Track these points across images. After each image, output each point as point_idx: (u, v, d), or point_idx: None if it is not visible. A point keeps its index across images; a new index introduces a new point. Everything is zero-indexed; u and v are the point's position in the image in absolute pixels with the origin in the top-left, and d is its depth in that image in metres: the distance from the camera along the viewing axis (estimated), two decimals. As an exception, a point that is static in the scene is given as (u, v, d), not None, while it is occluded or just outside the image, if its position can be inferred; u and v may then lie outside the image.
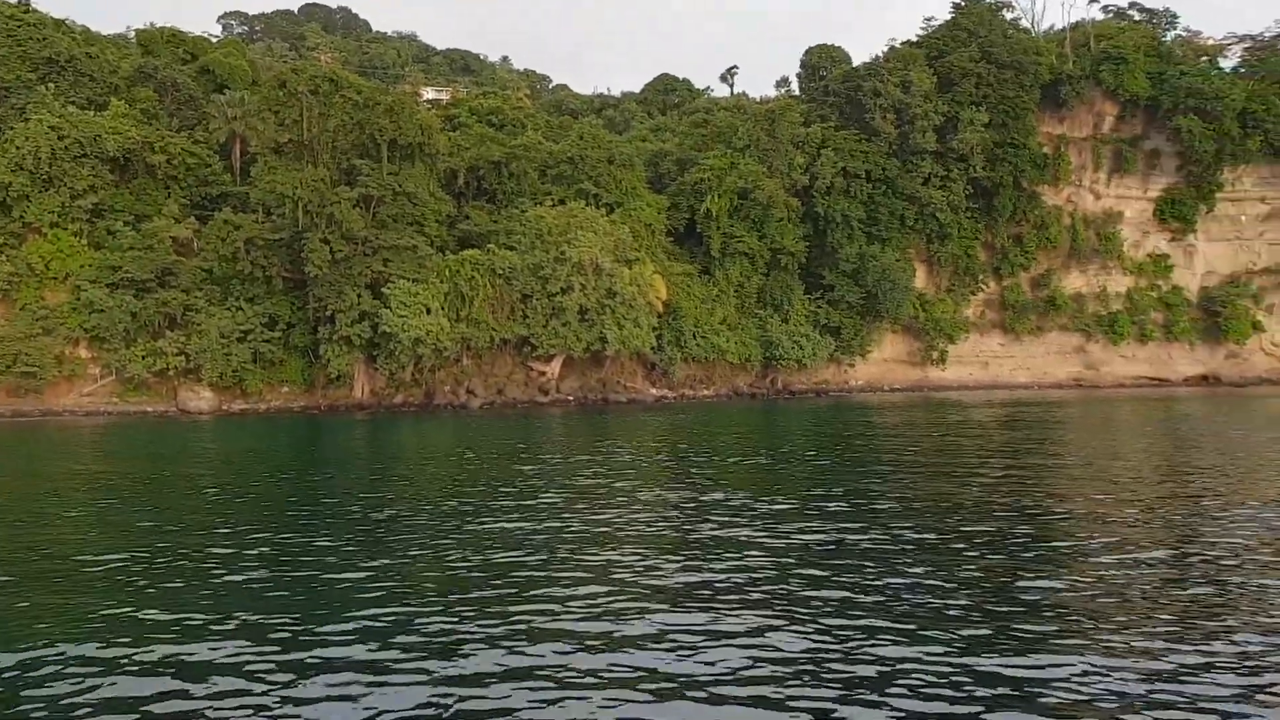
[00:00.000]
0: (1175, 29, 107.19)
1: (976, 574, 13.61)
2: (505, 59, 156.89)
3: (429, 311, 67.44)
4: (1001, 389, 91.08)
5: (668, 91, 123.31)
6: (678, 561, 15.08)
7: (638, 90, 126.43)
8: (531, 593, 13.15)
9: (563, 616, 11.84)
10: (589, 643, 10.92)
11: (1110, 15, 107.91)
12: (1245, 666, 9.65)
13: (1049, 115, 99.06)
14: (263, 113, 72.46)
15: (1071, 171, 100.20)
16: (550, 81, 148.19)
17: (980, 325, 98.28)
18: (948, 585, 13.01)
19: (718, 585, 13.38)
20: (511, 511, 20.20)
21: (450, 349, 69.35)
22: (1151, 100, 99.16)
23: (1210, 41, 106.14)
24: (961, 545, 15.88)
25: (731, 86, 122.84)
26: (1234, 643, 10.37)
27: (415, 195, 72.71)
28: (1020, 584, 13.03)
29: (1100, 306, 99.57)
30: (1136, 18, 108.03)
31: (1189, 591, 12.66)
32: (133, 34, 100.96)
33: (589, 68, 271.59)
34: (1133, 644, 10.36)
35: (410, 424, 54.52)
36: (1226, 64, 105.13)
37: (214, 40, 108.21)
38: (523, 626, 11.41)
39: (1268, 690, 8.99)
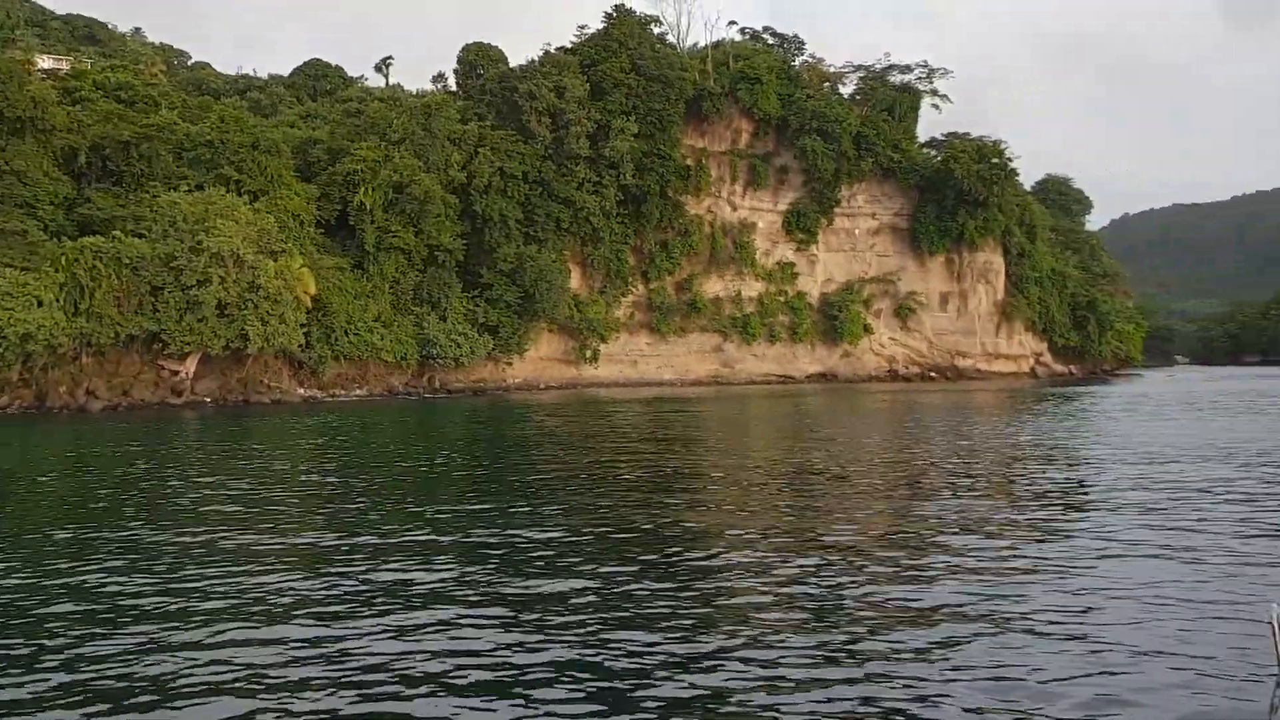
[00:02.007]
0: (802, 55, 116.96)
1: (626, 570, 14.02)
2: (138, 30, 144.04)
3: (40, 304, 60.61)
4: (649, 386, 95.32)
5: (319, 77, 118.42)
6: (310, 575, 14.40)
7: (286, 74, 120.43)
8: (158, 610, 12.04)
9: (216, 628, 10.94)
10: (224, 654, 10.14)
11: (747, 37, 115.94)
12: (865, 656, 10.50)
13: (692, 129, 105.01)
14: None
15: (712, 183, 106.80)
16: (189, 58, 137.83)
17: (630, 325, 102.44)
18: (612, 584, 13.29)
19: (356, 596, 12.89)
20: (134, 524, 18.49)
21: (66, 346, 62.74)
22: (782, 120, 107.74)
23: (832, 69, 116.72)
24: (618, 539, 16.33)
25: (387, 77, 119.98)
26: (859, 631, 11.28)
27: (25, 174, 65.25)
28: (656, 580, 13.56)
29: (736, 309, 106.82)
30: (770, 41, 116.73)
31: (805, 587, 13.69)
32: None
33: (233, 46, 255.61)
34: (766, 638, 11.01)
35: (18, 430, 48.75)
36: (845, 90, 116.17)
37: None
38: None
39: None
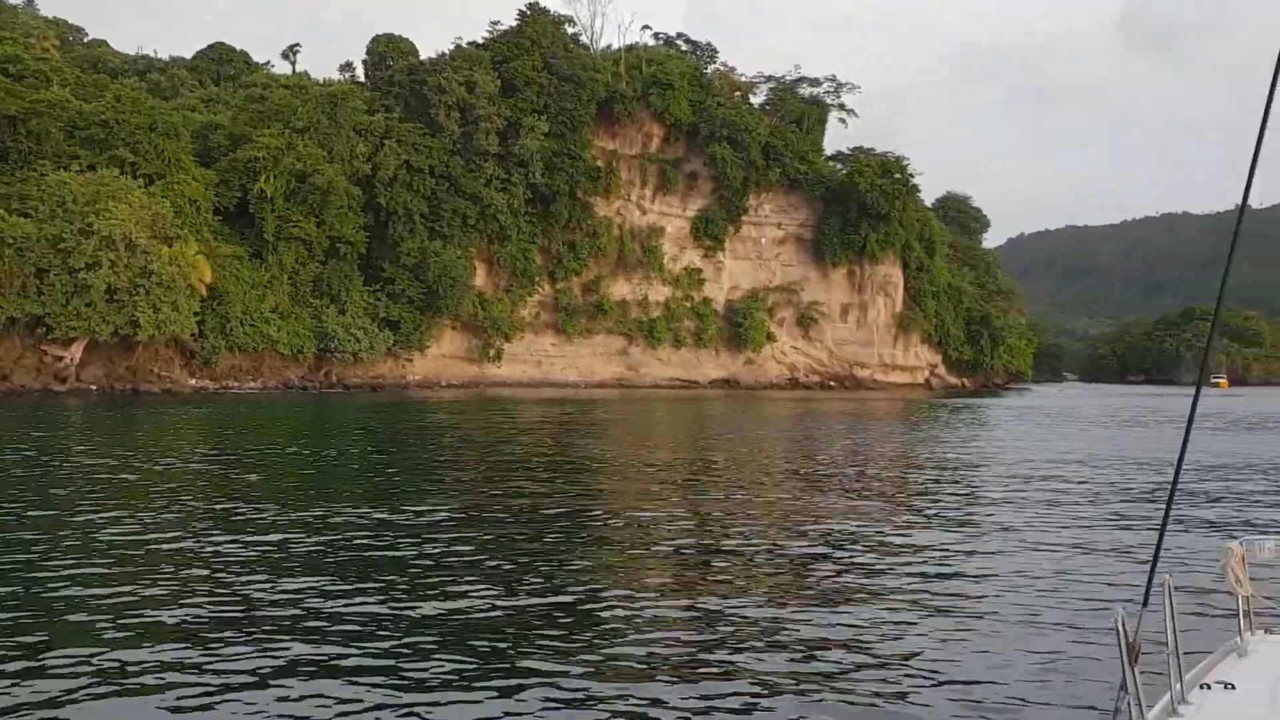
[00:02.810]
0: (714, 63, 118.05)
1: (518, 565, 13.86)
2: (30, 2, 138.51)
3: (-86, 282, 57.87)
4: (552, 386, 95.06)
5: (222, 61, 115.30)
6: (191, 585, 13.91)
7: (189, 57, 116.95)
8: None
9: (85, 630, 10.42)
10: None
11: (661, 43, 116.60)
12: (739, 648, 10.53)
13: (604, 130, 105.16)
14: None
15: (621, 186, 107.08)
16: (85, 35, 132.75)
17: (535, 325, 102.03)
18: (495, 598, 13.11)
19: (222, 602, 12.48)
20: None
21: (-58, 327, 60.01)
22: (693, 126, 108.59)
23: (743, 78, 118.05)
24: (521, 539, 16.15)
25: (294, 65, 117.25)
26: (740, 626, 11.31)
27: (-99, 146, 62.23)
28: (554, 581, 13.44)
29: (642, 313, 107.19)
30: (683, 47, 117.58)
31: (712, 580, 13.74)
32: None
33: (134, 25, 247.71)
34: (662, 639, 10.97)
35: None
36: (755, 100, 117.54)
37: None
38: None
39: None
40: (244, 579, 13.21)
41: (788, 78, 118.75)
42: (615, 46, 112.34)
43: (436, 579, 13.34)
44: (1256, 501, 22.43)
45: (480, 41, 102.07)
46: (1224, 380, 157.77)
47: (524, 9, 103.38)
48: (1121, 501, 21.94)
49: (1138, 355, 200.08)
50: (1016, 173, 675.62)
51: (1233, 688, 4.72)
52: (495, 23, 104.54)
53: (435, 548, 15.53)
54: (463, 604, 12.02)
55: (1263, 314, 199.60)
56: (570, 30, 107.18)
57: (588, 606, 12.17)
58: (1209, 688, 4.73)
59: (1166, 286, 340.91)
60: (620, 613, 11.85)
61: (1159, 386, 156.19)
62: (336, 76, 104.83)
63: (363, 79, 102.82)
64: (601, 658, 10.08)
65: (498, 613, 11.72)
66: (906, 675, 9.58)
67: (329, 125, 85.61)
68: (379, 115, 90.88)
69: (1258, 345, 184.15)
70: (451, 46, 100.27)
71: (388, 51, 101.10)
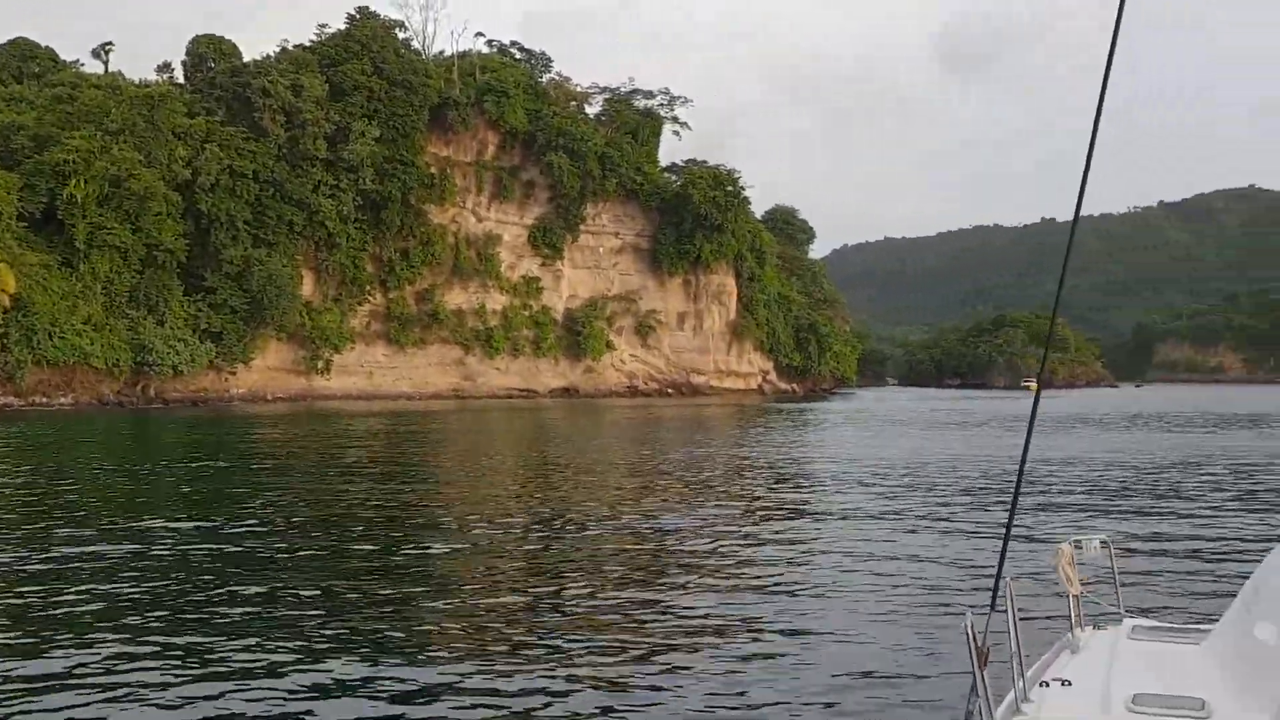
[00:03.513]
0: (550, 72, 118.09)
1: (353, 583, 13.41)
2: None
3: None
4: (385, 398, 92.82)
5: (26, 58, 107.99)
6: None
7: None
8: None
9: None
10: None
11: (495, 50, 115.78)
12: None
13: (437, 137, 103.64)
14: None
15: (456, 193, 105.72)
16: None
17: (366, 335, 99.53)
18: (333, 599, 12.64)
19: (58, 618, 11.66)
20: None
21: None
22: (529, 135, 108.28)
23: (578, 88, 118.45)
24: (344, 558, 15.64)
25: (106, 64, 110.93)
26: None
27: None
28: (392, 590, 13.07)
29: (479, 322, 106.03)
30: (518, 56, 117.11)
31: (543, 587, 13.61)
32: None
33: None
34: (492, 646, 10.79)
35: None
36: (591, 110, 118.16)
37: None
38: None
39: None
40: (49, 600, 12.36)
41: (623, 89, 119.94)
42: (448, 53, 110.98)
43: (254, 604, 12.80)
44: (1085, 498, 23.78)
45: (307, 44, 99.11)
46: (1033, 383, 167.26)
47: (353, 12, 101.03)
48: (961, 504, 22.78)
49: (953, 360, 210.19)
50: (839, 187, 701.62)
51: (1069, 684, 4.92)
52: (323, 25, 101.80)
53: (259, 573, 14.91)
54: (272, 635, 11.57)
55: (1066, 320, 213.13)
56: (401, 35, 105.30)
57: (417, 619, 11.90)
58: (1047, 685, 4.92)
59: (979, 295, 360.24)
60: (452, 627, 11.61)
61: (973, 390, 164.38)
62: (153, 77, 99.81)
63: (182, 80, 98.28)
64: (426, 656, 9.86)
65: (313, 630, 11.32)
66: (757, 683, 9.65)
67: (146, 128, 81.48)
68: (200, 118, 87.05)
69: (1063, 350, 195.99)
70: (277, 49, 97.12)
71: (208, 52, 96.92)
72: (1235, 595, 5.25)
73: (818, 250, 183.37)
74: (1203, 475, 29.06)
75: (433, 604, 12.97)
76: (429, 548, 17.11)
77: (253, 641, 10.87)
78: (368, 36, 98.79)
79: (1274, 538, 5.70)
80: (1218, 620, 5.39)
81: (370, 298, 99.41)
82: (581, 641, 10.97)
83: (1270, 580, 4.77)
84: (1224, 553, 16.18)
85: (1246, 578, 5.26)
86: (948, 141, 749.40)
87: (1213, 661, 4.94)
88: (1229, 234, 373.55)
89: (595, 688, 9.41)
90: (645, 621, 11.96)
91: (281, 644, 10.78)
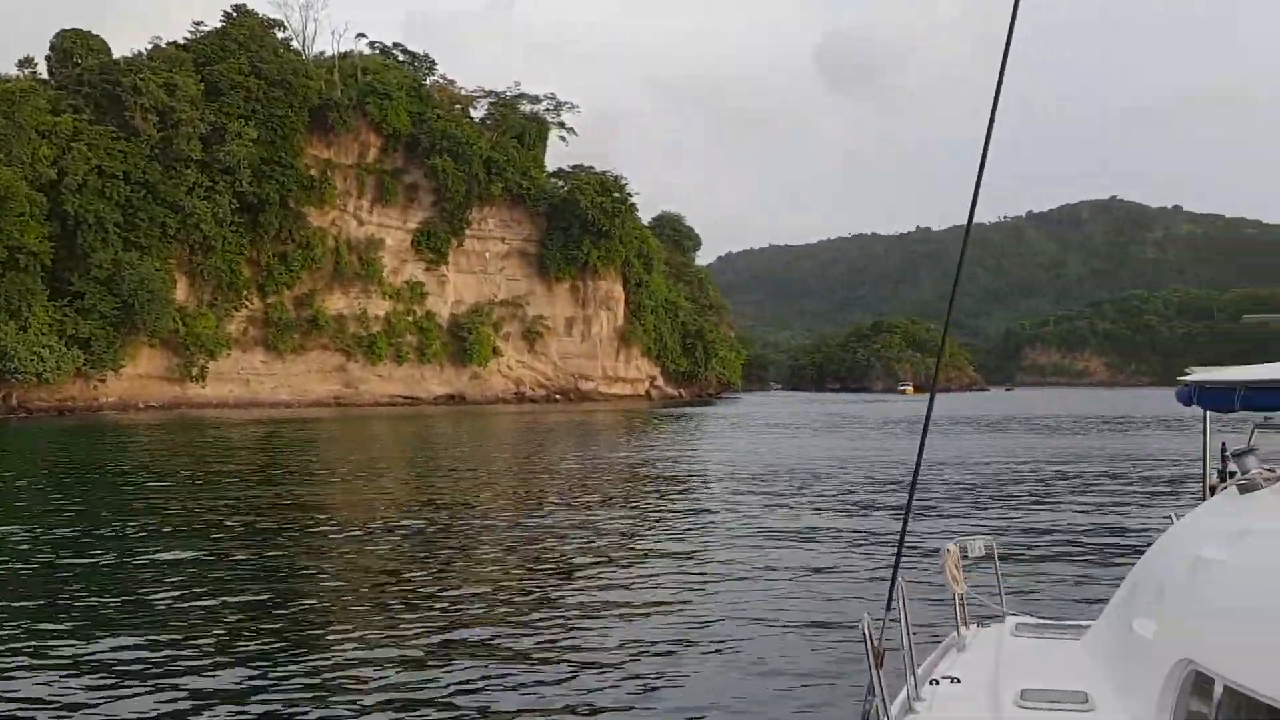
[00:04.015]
0: (433, 75, 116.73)
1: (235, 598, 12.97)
2: None
3: None
4: (263, 406, 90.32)
5: None
6: None
7: None
8: None
9: None
10: None
11: (377, 52, 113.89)
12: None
13: (317, 139, 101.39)
14: None
15: (337, 196, 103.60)
16: None
17: (243, 342, 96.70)
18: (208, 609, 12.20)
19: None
20: None
21: None
22: (412, 138, 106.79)
23: (463, 92, 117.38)
24: (222, 572, 15.11)
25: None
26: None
27: None
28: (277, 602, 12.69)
29: (361, 328, 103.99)
30: (401, 58, 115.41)
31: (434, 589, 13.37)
32: None
33: None
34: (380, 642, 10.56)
35: None
36: (476, 114, 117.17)
37: None
38: None
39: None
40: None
41: (508, 93, 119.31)
42: (329, 53, 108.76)
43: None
44: (970, 499, 24.49)
45: (181, 42, 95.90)
46: (910, 387, 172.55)
47: (229, 10, 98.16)
48: (853, 507, 23.22)
49: (834, 364, 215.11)
50: (725, 194, 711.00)
51: (957, 681, 5.05)
52: (198, 23, 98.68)
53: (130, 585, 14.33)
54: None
55: (939, 327, 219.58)
56: (280, 35, 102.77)
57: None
58: (937, 683, 5.03)
59: (858, 301, 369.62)
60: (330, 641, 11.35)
61: (853, 394, 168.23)
62: (14, 72, 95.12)
63: (46, 76, 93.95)
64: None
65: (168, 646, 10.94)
66: (661, 687, 9.65)
67: (6, 125, 77.61)
68: (66, 116, 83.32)
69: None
70: (149, 46, 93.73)
71: (75, 48, 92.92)
72: (1113, 592, 5.45)
73: (704, 257, 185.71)
74: (1078, 476, 30.25)
75: (301, 618, 12.63)
76: (302, 566, 16.65)
77: (123, 643, 10.47)
78: (245, 35, 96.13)
79: (1150, 537, 5.99)
80: (1097, 617, 5.60)
81: (247, 303, 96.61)
82: (462, 656, 10.80)
83: (1146, 577, 4.95)
84: (1101, 551, 16.83)
85: (1123, 575, 5.47)
86: (830, 151, 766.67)
87: (1093, 656, 5.12)
88: (1093, 243, 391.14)
89: (472, 694, 9.30)
90: (533, 632, 11.86)
91: (149, 650, 10.39)
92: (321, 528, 20.32)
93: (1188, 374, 6.13)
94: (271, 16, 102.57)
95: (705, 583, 14.64)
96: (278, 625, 12.11)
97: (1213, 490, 5.90)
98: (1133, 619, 4.71)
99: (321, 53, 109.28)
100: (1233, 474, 5.05)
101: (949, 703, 4.72)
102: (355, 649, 10.85)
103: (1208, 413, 6.11)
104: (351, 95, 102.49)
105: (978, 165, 4.85)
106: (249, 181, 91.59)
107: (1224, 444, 5.84)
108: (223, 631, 11.73)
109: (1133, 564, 5.43)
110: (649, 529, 20.10)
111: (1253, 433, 6.18)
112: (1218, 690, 3.51)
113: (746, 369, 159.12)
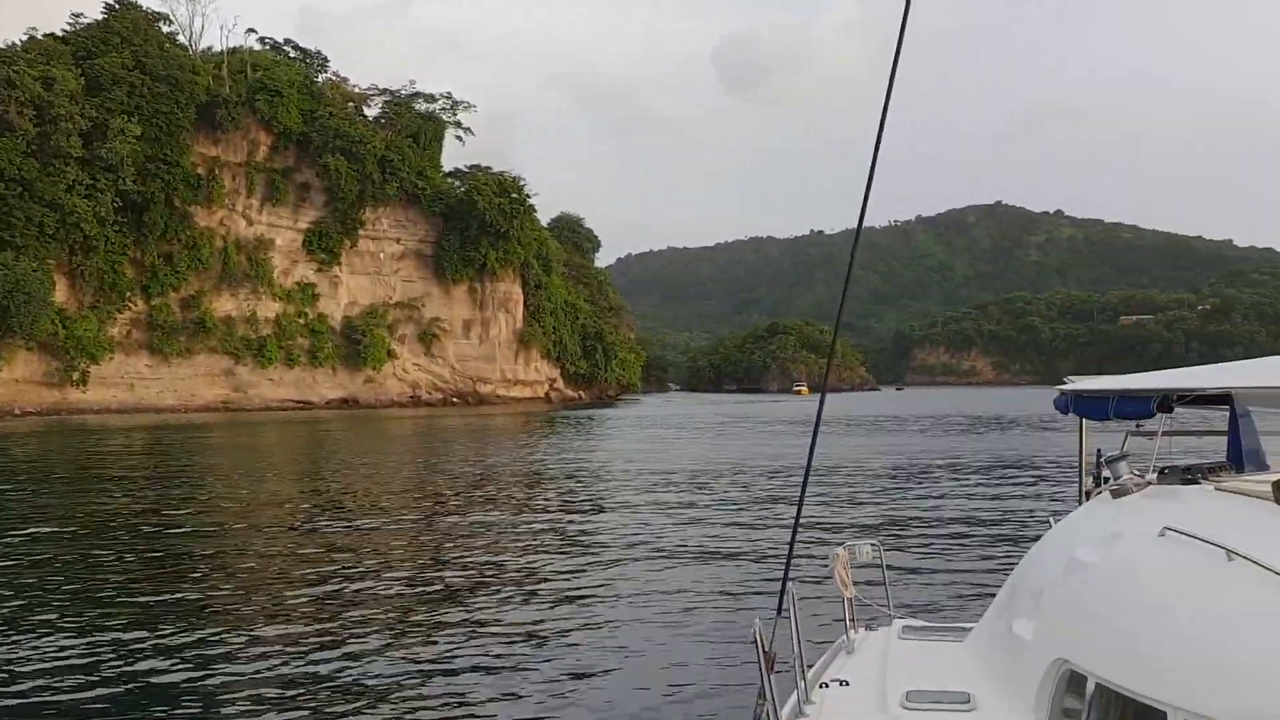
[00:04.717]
0: (326, 72, 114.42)
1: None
2: None
3: None
4: (148, 412, 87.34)
5: None
6: None
7: None
8: None
9: None
10: None
11: (268, 47, 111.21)
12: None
13: (205, 136, 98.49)
14: None
15: (225, 195, 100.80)
16: None
17: (127, 345, 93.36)
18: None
19: None
20: None
21: None
22: (304, 136, 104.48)
23: (357, 90, 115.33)
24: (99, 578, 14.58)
25: None
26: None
27: None
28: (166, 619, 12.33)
29: (250, 330, 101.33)
30: (292, 54, 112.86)
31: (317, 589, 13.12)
32: None
33: None
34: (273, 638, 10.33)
35: None
36: (370, 112, 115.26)
37: None
38: None
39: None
40: None
41: (403, 92, 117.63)
42: (217, 49, 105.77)
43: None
44: (861, 500, 24.99)
45: (59, 34, 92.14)
46: (804, 388, 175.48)
47: (111, 2, 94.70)
48: (748, 509, 23.44)
49: (731, 366, 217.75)
50: (624, 196, 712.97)
51: (846, 684, 5.18)
52: (77, 15, 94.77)
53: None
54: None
55: (831, 329, 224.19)
56: (166, 29, 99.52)
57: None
58: (826, 686, 5.16)
59: (754, 303, 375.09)
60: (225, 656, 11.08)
61: (750, 394, 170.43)
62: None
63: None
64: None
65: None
66: (548, 698, 9.61)
67: None
68: (-69, 107, 79.43)
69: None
70: (24, 37, 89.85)
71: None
72: (995, 595, 5.64)
73: (603, 259, 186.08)
74: (964, 478, 31.08)
75: (181, 628, 12.30)
76: (183, 580, 16.19)
77: None
78: (128, 29, 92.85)
79: (1030, 540, 6.22)
80: (980, 618, 5.79)
81: (131, 305, 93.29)
82: (358, 662, 10.65)
83: (1025, 580, 5.16)
84: (985, 553, 17.34)
85: (1005, 577, 5.67)
86: (728, 154, 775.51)
87: (976, 657, 5.31)
88: (980, 247, 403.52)
89: (362, 698, 9.19)
90: (425, 632, 11.76)
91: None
92: (197, 540, 19.73)
93: (1066, 383, 6.40)
94: (156, 9, 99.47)
95: (597, 590, 14.62)
96: (140, 636, 11.75)
97: (1088, 495, 6.16)
98: (1012, 620, 4.90)
99: (209, 48, 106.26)
100: (1106, 480, 5.30)
101: (837, 705, 4.85)
102: (220, 672, 10.49)
103: (1084, 420, 6.37)
104: (241, 92, 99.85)
105: (868, 170, 4.99)
106: (133, 179, 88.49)
107: (1099, 451, 6.09)
108: (81, 641, 11.34)
109: (1014, 566, 5.64)
110: (541, 535, 20.03)
111: (1126, 440, 6.47)
112: (1090, 688, 3.69)
113: (646, 371, 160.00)
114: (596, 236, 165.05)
